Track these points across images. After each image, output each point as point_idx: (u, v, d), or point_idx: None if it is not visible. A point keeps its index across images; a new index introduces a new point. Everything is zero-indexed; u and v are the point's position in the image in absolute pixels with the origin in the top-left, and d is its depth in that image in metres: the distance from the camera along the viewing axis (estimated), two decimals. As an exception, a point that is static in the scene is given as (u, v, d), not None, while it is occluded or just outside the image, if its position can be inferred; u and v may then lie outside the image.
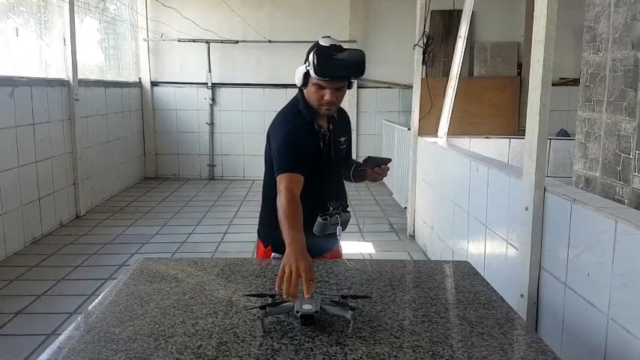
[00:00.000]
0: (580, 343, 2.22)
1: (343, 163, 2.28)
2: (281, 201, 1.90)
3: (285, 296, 1.56)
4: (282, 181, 1.97)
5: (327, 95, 2.02)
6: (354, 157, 2.43)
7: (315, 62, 1.95)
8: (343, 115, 2.32)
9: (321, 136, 2.12)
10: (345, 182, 2.36)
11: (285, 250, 1.71)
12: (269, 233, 2.24)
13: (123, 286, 1.81)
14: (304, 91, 2.12)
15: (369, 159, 2.20)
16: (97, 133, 6.97)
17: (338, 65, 1.97)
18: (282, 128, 2.12)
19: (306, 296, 1.54)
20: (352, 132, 2.43)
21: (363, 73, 2.01)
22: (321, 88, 2.02)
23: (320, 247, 2.15)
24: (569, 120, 7.36)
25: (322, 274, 1.92)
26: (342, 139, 2.24)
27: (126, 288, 1.80)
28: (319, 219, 2.01)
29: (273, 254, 2.20)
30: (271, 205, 2.03)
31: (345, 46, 2.04)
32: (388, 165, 2.21)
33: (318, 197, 2.08)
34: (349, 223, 2.15)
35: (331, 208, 2.05)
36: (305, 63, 2.05)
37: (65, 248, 5.11)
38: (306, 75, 2.05)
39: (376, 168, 2.18)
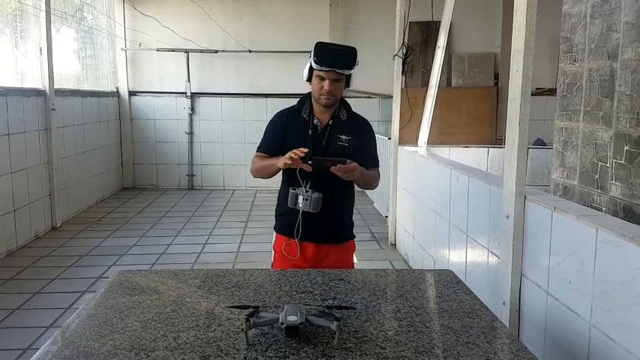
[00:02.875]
0: (562, 351, 2.23)
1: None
2: (253, 166, 2.52)
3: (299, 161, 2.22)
4: (254, 157, 2.56)
5: (326, 85, 2.37)
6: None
7: (315, 53, 2.33)
8: (358, 121, 2.59)
9: (313, 126, 2.46)
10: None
11: (281, 228, 2.54)
12: (275, 219, 2.63)
13: (101, 299, 1.77)
14: (310, 86, 2.46)
15: (314, 160, 2.27)
16: (73, 144, 6.86)
17: (334, 55, 2.35)
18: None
19: (305, 149, 2.23)
20: None
21: (354, 63, 2.38)
22: (322, 79, 2.38)
23: (320, 227, 2.46)
24: (545, 129, 7.48)
25: (306, 284, 1.91)
26: (345, 137, 2.46)
27: (104, 301, 1.76)
28: (290, 189, 2.41)
29: (275, 234, 2.61)
30: (279, 195, 2.57)
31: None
32: (351, 164, 2.27)
33: (301, 175, 2.33)
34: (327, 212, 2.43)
35: (304, 184, 2.37)
36: (309, 58, 2.39)
37: (41, 260, 5.00)
38: (311, 69, 2.40)
39: (333, 168, 2.25)
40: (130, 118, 8.70)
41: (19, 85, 5.79)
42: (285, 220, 2.50)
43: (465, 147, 5.79)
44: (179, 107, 8.69)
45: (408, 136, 5.41)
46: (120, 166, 8.70)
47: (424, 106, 5.21)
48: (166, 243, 5.62)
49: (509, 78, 2.55)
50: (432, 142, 5.36)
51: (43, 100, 5.96)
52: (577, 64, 3.79)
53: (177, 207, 7.50)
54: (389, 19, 5.82)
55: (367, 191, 7.74)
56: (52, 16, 6.12)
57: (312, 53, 2.35)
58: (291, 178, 2.40)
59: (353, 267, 2.65)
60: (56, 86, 6.18)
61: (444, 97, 6.39)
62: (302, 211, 2.40)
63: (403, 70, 5.29)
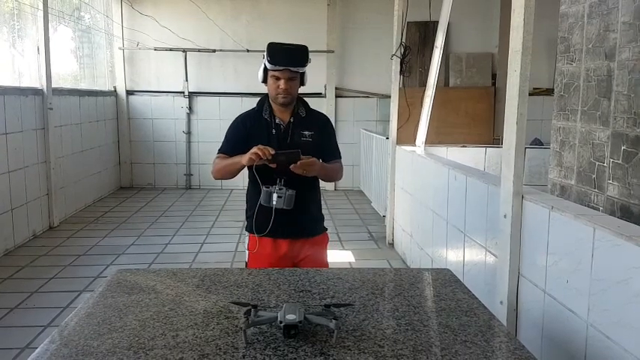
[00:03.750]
0: (560, 350, 2.24)
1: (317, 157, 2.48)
2: (215, 167, 2.59)
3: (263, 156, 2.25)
4: (215, 158, 2.62)
5: (282, 84, 2.45)
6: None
7: (268, 54, 2.42)
8: (317, 116, 2.68)
9: (276, 125, 2.54)
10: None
11: (251, 228, 2.56)
12: (246, 220, 2.67)
13: (99, 298, 1.77)
14: (267, 87, 2.52)
15: (276, 155, 2.32)
16: (71, 143, 6.85)
17: (287, 54, 2.44)
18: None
19: (272, 150, 2.25)
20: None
21: (306, 61, 2.47)
22: (277, 79, 2.45)
23: (292, 224, 2.52)
24: (542, 129, 7.50)
25: (305, 283, 1.91)
26: (307, 132, 2.56)
27: (103, 300, 1.76)
28: (263, 187, 2.44)
29: (248, 235, 2.63)
30: (247, 197, 2.64)
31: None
32: (309, 159, 2.35)
33: (271, 173, 2.42)
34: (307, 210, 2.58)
35: (277, 181, 2.43)
36: (263, 59, 2.48)
37: (39, 260, 5.00)
38: (265, 70, 2.48)
39: (293, 166, 2.32)
40: (127, 117, 8.69)
41: (16, 84, 5.78)
42: (256, 219, 2.52)
43: (463, 147, 5.80)
44: (177, 106, 8.68)
45: (406, 136, 5.42)
46: (117, 166, 8.69)
47: (422, 105, 5.22)
48: (164, 242, 5.62)
49: (507, 78, 2.55)
50: (429, 141, 5.36)
51: (41, 99, 5.95)
52: (574, 64, 3.80)
53: (174, 206, 7.49)
54: (387, 19, 5.82)
55: (365, 191, 7.75)
56: (49, 15, 6.11)
57: (266, 54, 2.42)
58: (261, 178, 2.44)
59: (326, 262, 2.69)
60: (54, 85, 6.17)
61: (441, 97, 6.40)
62: (275, 209, 2.44)
63: (401, 70, 5.29)
